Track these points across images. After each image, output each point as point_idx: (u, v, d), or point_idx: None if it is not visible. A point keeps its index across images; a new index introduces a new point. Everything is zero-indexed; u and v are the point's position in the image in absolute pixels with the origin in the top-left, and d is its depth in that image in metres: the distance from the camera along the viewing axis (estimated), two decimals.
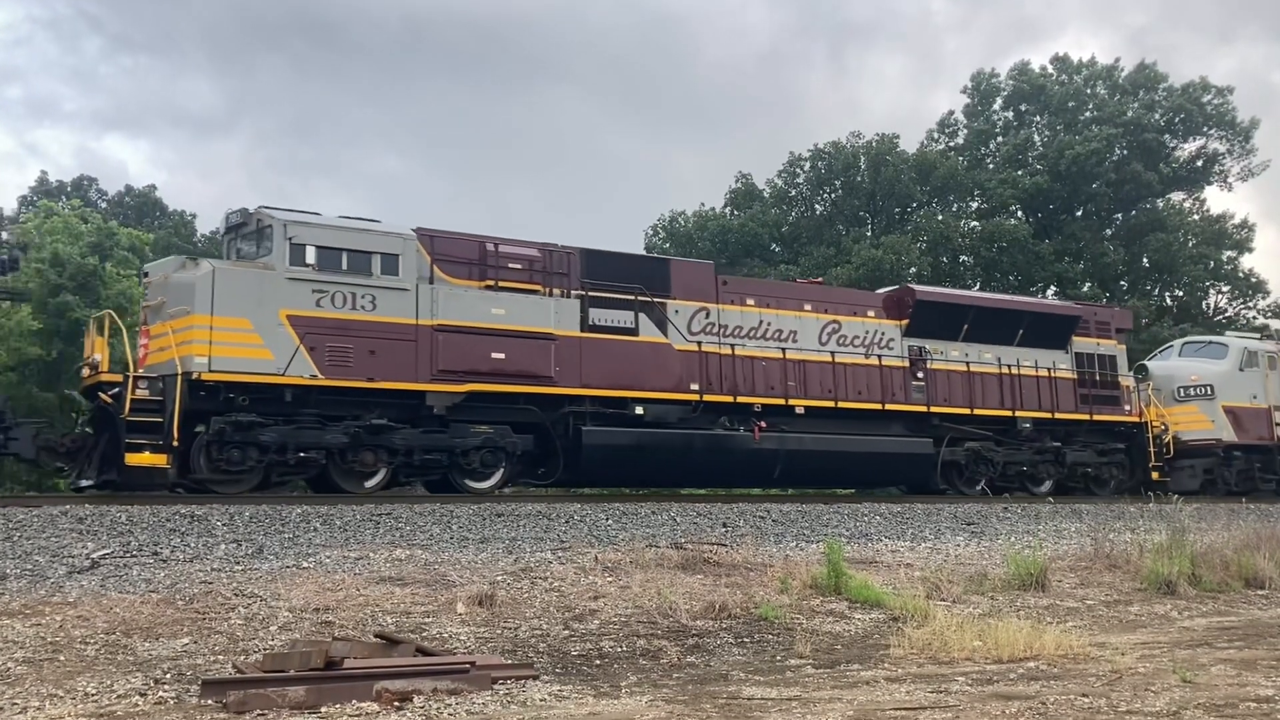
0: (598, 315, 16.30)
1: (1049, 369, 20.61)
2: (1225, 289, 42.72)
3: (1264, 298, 42.23)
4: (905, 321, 19.47)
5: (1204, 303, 42.44)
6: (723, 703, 6.02)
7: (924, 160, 40.99)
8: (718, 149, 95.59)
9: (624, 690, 6.46)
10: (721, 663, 7.50)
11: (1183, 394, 23.13)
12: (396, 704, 5.85)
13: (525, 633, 7.93)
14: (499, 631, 7.90)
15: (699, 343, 17.06)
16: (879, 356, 18.82)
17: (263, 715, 5.60)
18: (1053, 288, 40.65)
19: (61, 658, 6.57)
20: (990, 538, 14.20)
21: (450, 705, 5.87)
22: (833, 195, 43.00)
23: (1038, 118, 43.59)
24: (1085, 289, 39.59)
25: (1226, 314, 42.36)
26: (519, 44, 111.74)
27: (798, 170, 43.23)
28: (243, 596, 8.19)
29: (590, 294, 16.35)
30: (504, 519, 12.77)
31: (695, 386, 16.87)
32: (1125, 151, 40.38)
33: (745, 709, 5.83)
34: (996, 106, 44.65)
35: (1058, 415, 20.47)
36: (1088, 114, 42.10)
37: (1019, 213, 42.16)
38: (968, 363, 19.69)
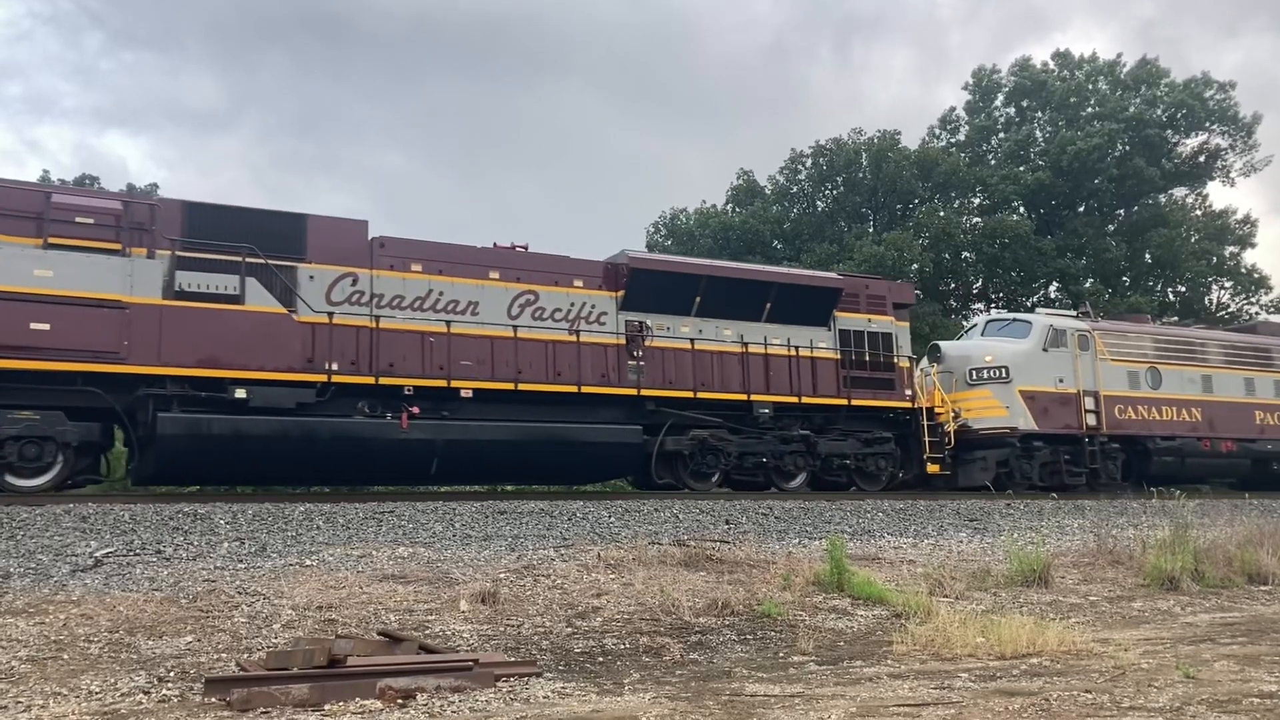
0: (190, 280, 13.81)
1: (806, 348, 18.45)
2: (1228, 284, 42.72)
3: (1267, 293, 42.26)
4: (621, 293, 17.13)
5: (1207, 298, 42.42)
6: (725, 700, 6.02)
7: (926, 156, 40.96)
8: (723, 144, 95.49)
9: (627, 687, 6.47)
10: (724, 660, 7.50)
11: (975, 377, 20.78)
12: (400, 702, 5.86)
13: (528, 630, 7.94)
14: (502, 629, 7.90)
15: (331, 314, 14.67)
16: (581, 333, 16.52)
17: (266, 713, 5.60)
18: (1055, 284, 40.63)
19: (65, 656, 6.58)
20: (993, 534, 14.20)
21: (453, 703, 5.88)
22: (834, 192, 42.98)
23: (1039, 113, 43.56)
24: (1087, 285, 39.57)
25: (1229, 309, 42.34)
26: (523, 38, 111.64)
27: (799, 167, 43.21)
28: (246, 595, 8.20)
29: (183, 254, 13.91)
30: (507, 516, 12.79)
31: (334, 366, 14.54)
32: (1127, 147, 40.33)
33: (748, 706, 5.83)
34: (998, 102, 44.62)
35: (806, 399, 18.18)
36: (1090, 109, 42.06)
37: (1021, 209, 42.13)
38: (692, 340, 17.36)
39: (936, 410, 19.61)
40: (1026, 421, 20.38)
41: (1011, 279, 40.41)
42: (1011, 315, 23.68)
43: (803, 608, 9.16)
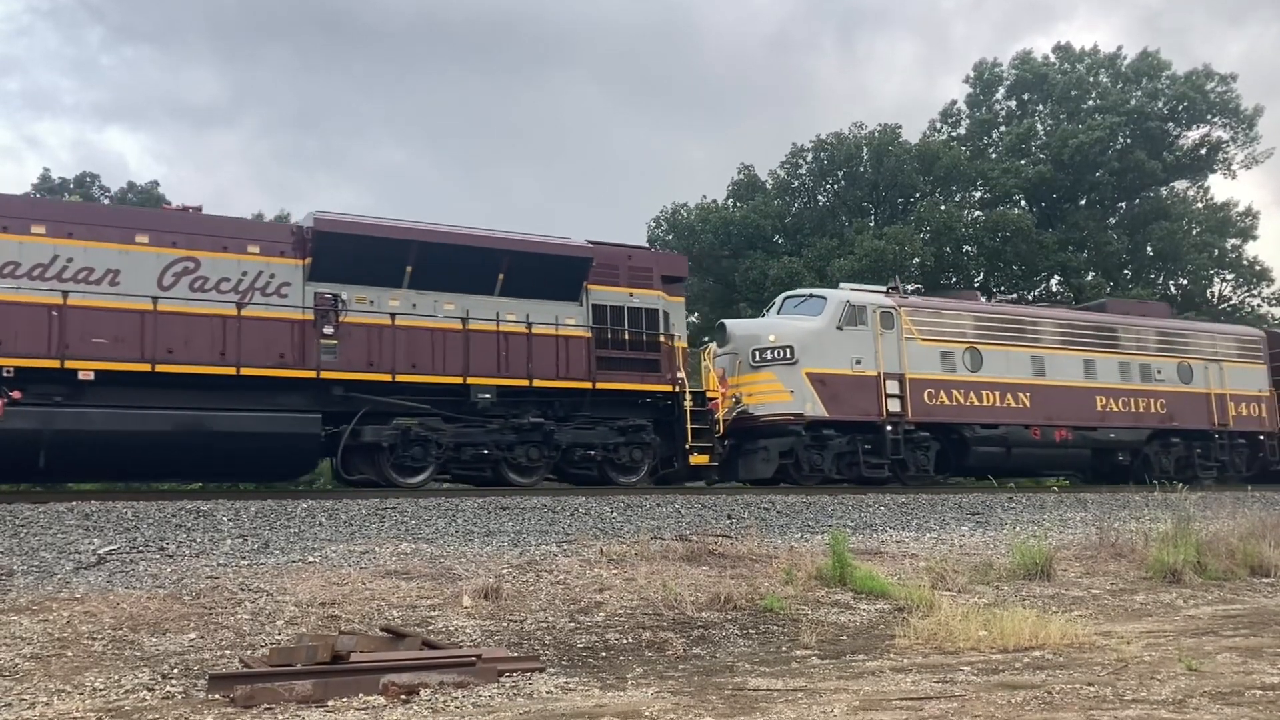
0: None
1: (548, 325, 16.22)
2: (1230, 277, 42.68)
3: (1269, 285, 42.23)
4: (308, 261, 14.83)
5: (1208, 291, 42.39)
6: (728, 694, 6.03)
7: (927, 150, 40.90)
8: (726, 138, 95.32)
9: (630, 682, 6.48)
10: (727, 654, 7.51)
11: (759, 359, 18.63)
12: (403, 697, 5.87)
13: (531, 625, 7.95)
14: (505, 624, 7.91)
15: None
16: (250, 305, 14.28)
17: (270, 709, 5.61)
18: (1057, 277, 40.60)
19: (69, 653, 6.59)
20: (995, 527, 14.20)
21: (457, 698, 5.89)
22: (835, 186, 42.93)
23: (1040, 107, 43.50)
24: (1089, 278, 39.54)
25: (1231, 302, 42.31)
26: (526, 32, 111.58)
27: (800, 161, 43.16)
28: (249, 591, 8.21)
29: None
30: (509, 512, 12.80)
31: None
32: (1128, 140, 40.28)
33: (751, 700, 5.83)
34: (999, 96, 44.56)
35: (539, 383, 15.97)
36: (1091, 102, 42.00)
37: (1022, 202, 42.10)
38: (394, 315, 15.10)
39: (709, 395, 17.47)
40: (814, 407, 18.19)
41: (1013, 273, 40.39)
42: (809, 291, 21.22)
43: (805, 602, 9.17)
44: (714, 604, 8.77)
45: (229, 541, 10.16)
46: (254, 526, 11.04)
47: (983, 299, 24.00)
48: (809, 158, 42.87)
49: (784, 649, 7.71)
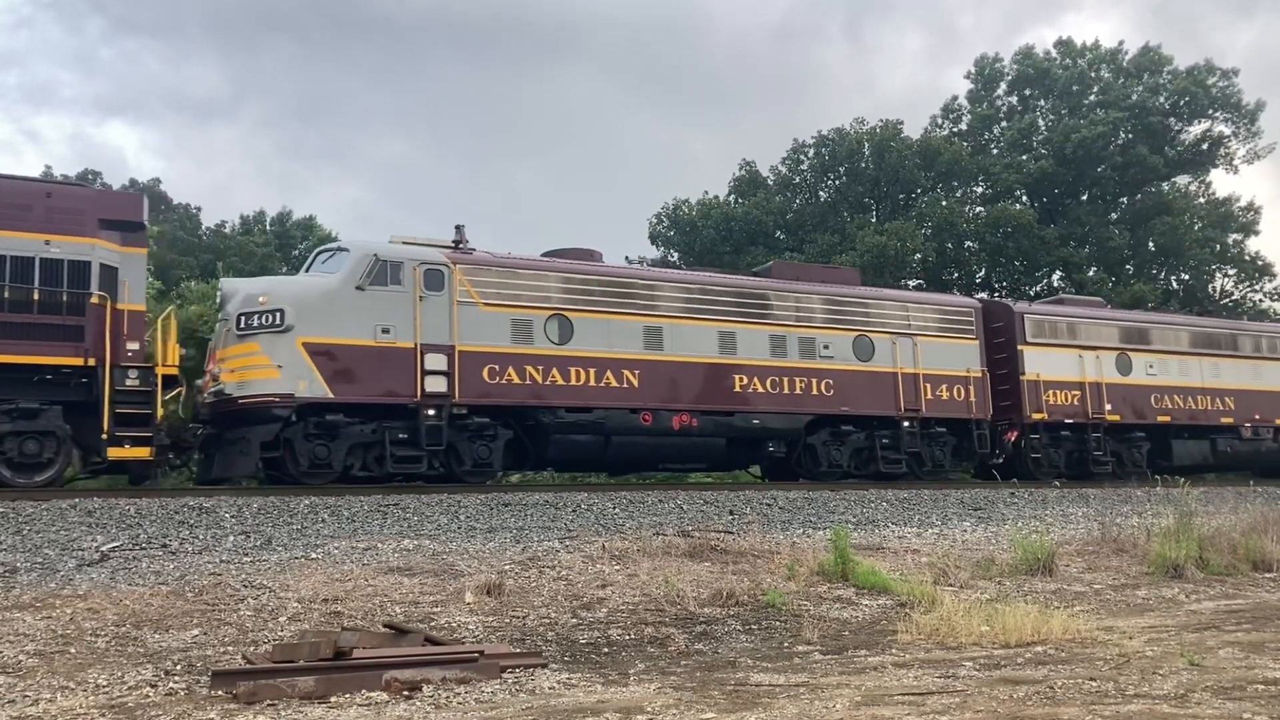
0: None
1: None
2: (1232, 272, 42.61)
3: (1271, 280, 42.16)
4: None
5: (1210, 286, 42.34)
6: (730, 689, 6.04)
7: (928, 146, 40.86)
8: (731, 130, 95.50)
9: (632, 678, 6.48)
10: (729, 650, 7.52)
11: (245, 325, 14.99)
12: (406, 693, 5.87)
13: (533, 621, 7.96)
14: (507, 620, 7.92)
15: None
16: None
17: (273, 705, 5.62)
18: (1058, 273, 40.55)
19: (72, 650, 6.61)
20: (997, 523, 14.21)
21: (459, 694, 5.90)
22: (837, 182, 42.90)
23: (1042, 102, 43.44)
24: (1091, 273, 39.49)
25: (1233, 297, 42.26)
26: (531, 24, 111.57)
27: (801, 157, 43.15)
28: (251, 588, 8.22)
29: None
30: (511, 508, 12.82)
31: None
32: (1130, 135, 40.21)
33: (753, 695, 5.84)
34: (1001, 91, 44.50)
35: None
36: (1092, 97, 41.94)
37: (1024, 197, 42.06)
38: None
39: (165, 371, 14.13)
40: (313, 386, 14.68)
41: (1015, 268, 40.33)
42: (339, 243, 17.55)
43: (807, 597, 9.17)
44: (716, 600, 8.78)
45: (231, 538, 10.18)
46: (256, 523, 11.06)
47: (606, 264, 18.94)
48: (810, 153, 42.86)
49: (786, 644, 7.72)
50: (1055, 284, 40.42)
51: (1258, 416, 24.09)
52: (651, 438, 17.26)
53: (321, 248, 17.86)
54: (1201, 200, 42.98)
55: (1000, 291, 40.42)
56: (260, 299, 14.99)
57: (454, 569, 9.21)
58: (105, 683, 6.01)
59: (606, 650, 7.37)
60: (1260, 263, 42.11)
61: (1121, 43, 43.71)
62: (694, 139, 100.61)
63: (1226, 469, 24.14)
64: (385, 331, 15.32)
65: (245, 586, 8.25)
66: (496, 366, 16.08)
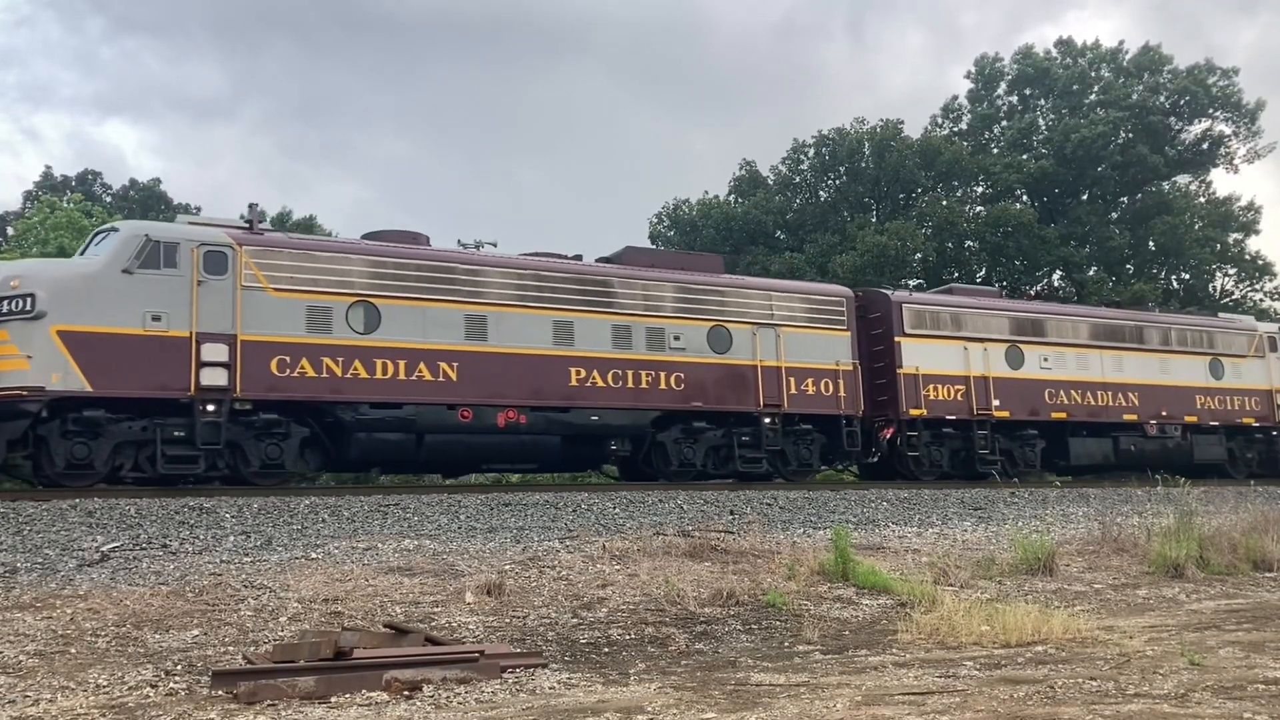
0: None
1: None
2: (1232, 271, 42.62)
3: (1271, 279, 42.16)
4: None
5: (1210, 285, 42.33)
6: (731, 689, 6.04)
7: (928, 145, 40.87)
8: (733, 129, 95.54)
9: (632, 677, 6.48)
10: (730, 649, 7.52)
11: None
12: (406, 693, 5.87)
13: (534, 621, 7.96)
14: (507, 620, 7.92)
15: None
16: None
17: (273, 705, 5.62)
18: (1059, 272, 40.56)
19: (72, 650, 6.61)
20: (997, 522, 14.21)
21: (460, 694, 5.90)
22: (837, 182, 42.92)
23: (1042, 101, 43.45)
24: (1091, 273, 39.48)
25: (1233, 296, 42.25)
26: (534, 23, 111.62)
27: (802, 157, 43.16)
28: (252, 588, 8.22)
29: None
30: (511, 508, 12.83)
31: None
32: (1130, 134, 40.22)
33: (754, 695, 5.84)
34: (1001, 90, 44.52)
35: None
36: (1092, 97, 41.95)
37: (1024, 197, 42.06)
38: None
39: None
40: (68, 378, 13.47)
41: (1015, 267, 40.33)
42: (114, 223, 15.95)
43: (807, 597, 9.17)
44: (716, 599, 8.78)
45: (232, 538, 10.18)
46: (257, 523, 11.06)
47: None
48: (810, 153, 42.88)
49: (786, 644, 7.72)
50: (1055, 283, 40.43)
51: (1164, 413, 22.77)
52: (472, 436, 15.94)
53: (98, 229, 16.00)
54: (1202, 200, 42.99)
55: (1002, 291, 40.42)
56: (11, 283, 13.67)
57: (454, 569, 9.22)
58: (105, 683, 6.01)
59: (607, 650, 7.37)
60: (1260, 262, 42.14)
61: (1122, 42, 43.78)
62: (697, 137, 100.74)
63: (1130, 469, 22.42)
64: (156, 319, 14.04)
65: (246, 586, 8.25)
66: (287, 358, 14.78)
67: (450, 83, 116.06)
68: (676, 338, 17.73)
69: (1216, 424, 23.65)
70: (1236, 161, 42.64)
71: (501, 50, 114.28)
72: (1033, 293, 39.24)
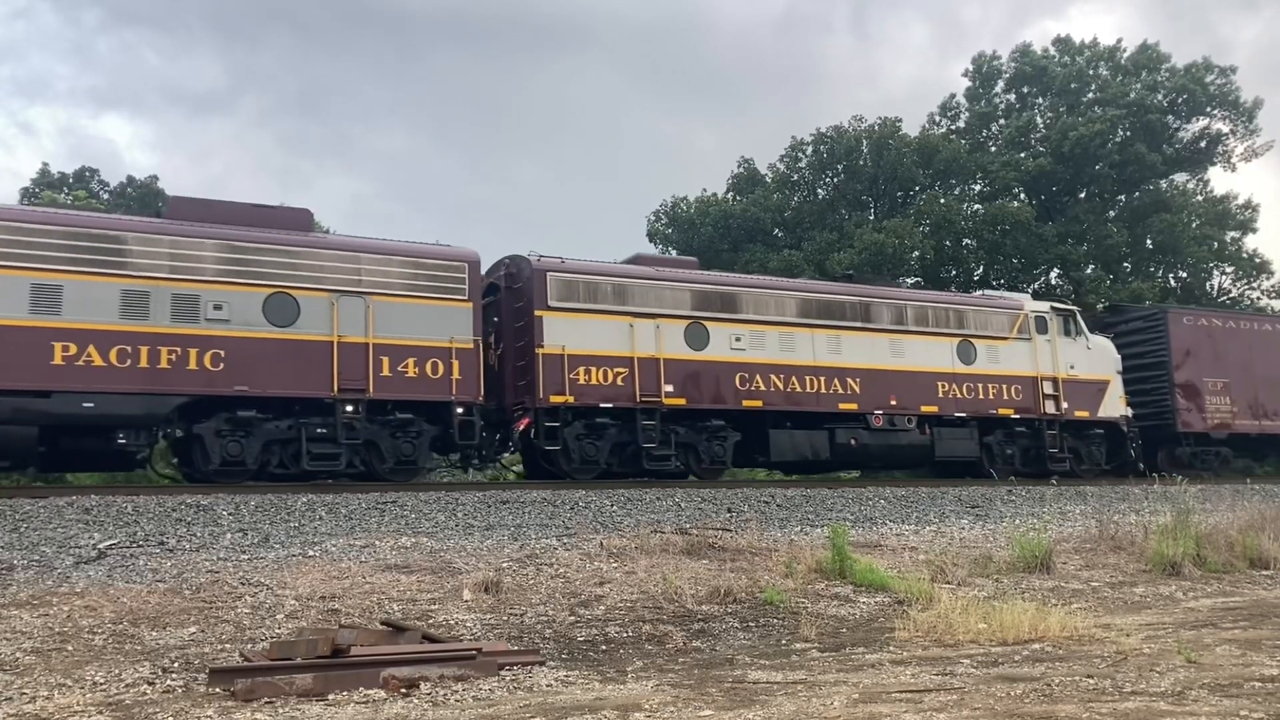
0: None
1: None
2: (1229, 270, 42.64)
3: (1269, 278, 42.19)
4: None
5: (1208, 284, 42.36)
6: (728, 686, 6.04)
7: (926, 144, 40.86)
8: (736, 123, 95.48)
9: (630, 675, 6.48)
10: (727, 647, 7.52)
11: None
12: (403, 691, 5.87)
13: (531, 619, 7.96)
14: (505, 618, 7.92)
15: None
16: None
17: (270, 703, 5.62)
18: (1056, 270, 40.57)
19: (69, 647, 6.60)
20: (995, 520, 14.22)
21: (457, 691, 5.90)
22: (835, 179, 42.90)
23: (1040, 99, 43.44)
24: (1089, 271, 39.49)
25: (1231, 295, 42.28)
26: (536, 17, 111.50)
27: (800, 154, 43.14)
28: (249, 585, 8.22)
29: None
30: (509, 506, 12.82)
31: None
32: (1128, 133, 40.20)
33: (751, 692, 5.84)
34: (999, 89, 44.52)
35: None
36: (1090, 95, 41.95)
37: (1022, 195, 42.06)
38: None
39: None
40: None
41: (1013, 266, 40.32)
42: None
43: (805, 595, 9.18)
44: (714, 597, 8.78)
45: (229, 536, 10.17)
46: (254, 521, 11.05)
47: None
48: (809, 151, 42.87)
49: (784, 642, 7.72)
50: (1053, 281, 40.43)
51: (894, 402, 19.47)
52: None
53: None
54: (1199, 198, 42.98)
55: (1000, 289, 40.47)
56: None
57: (452, 566, 9.21)
58: (103, 680, 6.00)
59: (604, 648, 7.37)
60: (1258, 260, 42.16)
61: (1120, 40, 43.82)
62: (698, 132, 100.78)
63: (852, 466, 19.92)
64: None
65: (243, 584, 8.24)
66: None
67: (450, 76, 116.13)
68: (218, 307, 14.52)
69: (965, 415, 20.34)
70: (1234, 160, 42.66)
71: (502, 44, 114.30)
72: (1030, 291, 39.25)
